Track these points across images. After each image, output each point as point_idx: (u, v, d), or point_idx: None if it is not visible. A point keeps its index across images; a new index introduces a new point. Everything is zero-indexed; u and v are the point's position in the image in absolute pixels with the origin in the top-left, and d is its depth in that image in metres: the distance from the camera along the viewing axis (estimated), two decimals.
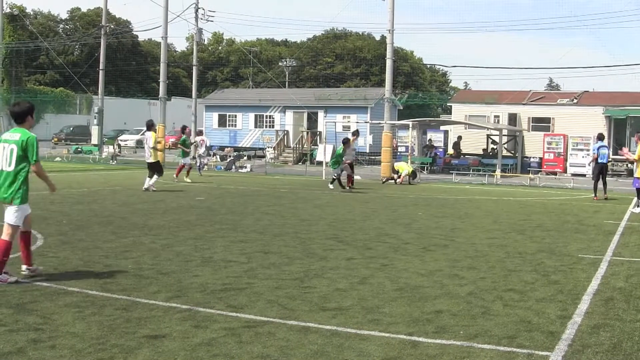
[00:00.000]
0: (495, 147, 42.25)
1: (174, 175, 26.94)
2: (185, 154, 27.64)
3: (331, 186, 25.61)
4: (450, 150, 44.34)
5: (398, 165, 31.71)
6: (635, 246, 13.72)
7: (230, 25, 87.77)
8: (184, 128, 29.48)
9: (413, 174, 31.35)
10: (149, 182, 22.63)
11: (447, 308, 8.20)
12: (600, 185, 24.08)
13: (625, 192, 27.54)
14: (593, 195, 24.28)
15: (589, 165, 36.42)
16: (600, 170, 24.13)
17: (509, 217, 18.24)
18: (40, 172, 9.25)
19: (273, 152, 47.80)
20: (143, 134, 63.89)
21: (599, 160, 24.04)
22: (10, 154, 8.99)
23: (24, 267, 9.36)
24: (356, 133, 28.91)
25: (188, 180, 26.33)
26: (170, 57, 71.25)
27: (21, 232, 9.28)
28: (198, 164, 33.60)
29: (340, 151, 25.73)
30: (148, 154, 23.18)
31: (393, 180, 30.51)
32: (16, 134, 9.10)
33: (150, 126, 23.82)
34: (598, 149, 24.26)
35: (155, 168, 22.96)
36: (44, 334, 6.77)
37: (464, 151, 43.67)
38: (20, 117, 9.26)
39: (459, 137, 43.57)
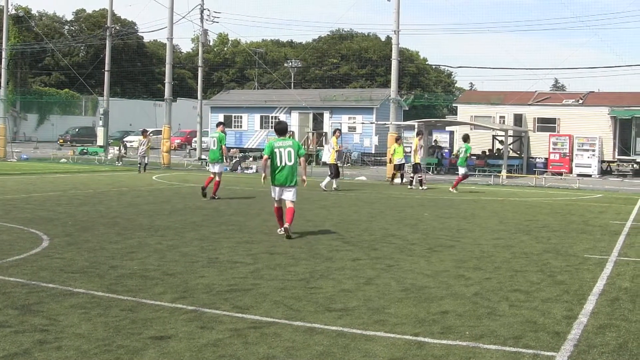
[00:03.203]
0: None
1: (452, 187, 26.48)
2: (463, 163, 26.50)
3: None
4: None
5: (392, 152, 30.56)
6: None
7: (235, 26, 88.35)
8: (466, 137, 27.31)
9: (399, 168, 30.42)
10: (329, 181, 25.37)
11: (453, 309, 8.20)
12: None
13: (631, 192, 27.50)
14: None
15: None
16: None
17: (515, 217, 18.23)
18: (304, 162, 13.85)
19: None
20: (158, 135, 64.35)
21: None
22: (289, 154, 13.28)
23: (281, 228, 13.50)
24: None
25: (455, 190, 25.98)
26: (175, 59, 71.48)
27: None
28: (139, 163, 33.51)
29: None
30: (327, 157, 26.46)
31: (399, 179, 30.32)
32: (287, 141, 13.49)
33: (335, 131, 27.58)
34: None
35: (332, 168, 25.82)
36: (50, 335, 6.77)
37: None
38: (283, 131, 13.70)
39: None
